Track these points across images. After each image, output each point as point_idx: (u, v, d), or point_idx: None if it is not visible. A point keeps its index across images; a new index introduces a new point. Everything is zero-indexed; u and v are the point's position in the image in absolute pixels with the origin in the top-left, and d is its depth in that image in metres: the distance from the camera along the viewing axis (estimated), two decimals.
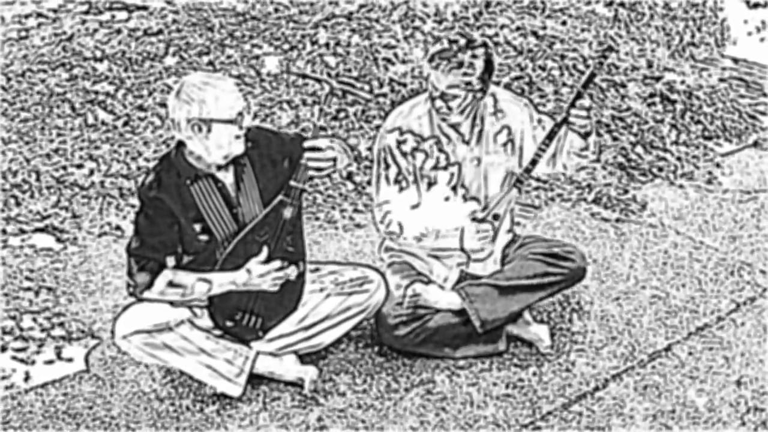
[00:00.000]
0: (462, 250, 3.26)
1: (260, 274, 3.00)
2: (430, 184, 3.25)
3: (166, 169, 2.96)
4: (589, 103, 3.13)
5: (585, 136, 3.21)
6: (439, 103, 3.14)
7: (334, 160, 3.03)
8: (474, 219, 3.24)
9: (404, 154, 3.22)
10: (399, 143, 3.22)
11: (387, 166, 3.24)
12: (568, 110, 3.13)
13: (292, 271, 3.05)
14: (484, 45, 3.14)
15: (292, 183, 3.03)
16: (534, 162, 3.20)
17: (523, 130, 3.28)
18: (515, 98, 3.35)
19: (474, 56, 3.09)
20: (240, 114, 2.90)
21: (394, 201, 3.24)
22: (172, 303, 3.01)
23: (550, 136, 3.16)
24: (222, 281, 2.99)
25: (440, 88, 3.11)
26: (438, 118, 3.21)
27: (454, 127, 3.22)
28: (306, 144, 3.01)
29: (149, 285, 2.94)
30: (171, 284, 2.95)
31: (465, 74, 3.08)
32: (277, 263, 3.02)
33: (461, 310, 3.26)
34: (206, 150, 2.91)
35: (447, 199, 3.27)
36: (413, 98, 3.36)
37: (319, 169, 3.02)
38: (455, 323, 3.27)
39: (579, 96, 3.12)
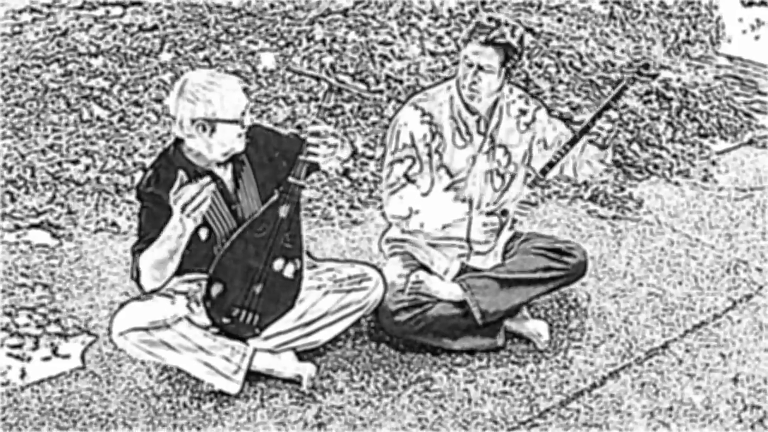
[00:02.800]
0: (467, 240, 3.28)
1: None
2: (447, 172, 3.27)
3: (164, 166, 2.95)
4: (616, 116, 3.15)
5: (602, 147, 3.24)
6: (472, 78, 3.14)
7: (335, 147, 3.02)
8: (481, 212, 3.26)
9: (423, 138, 3.22)
10: (420, 124, 3.22)
11: (403, 147, 3.24)
12: (594, 119, 3.15)
13: (210, 187, 2.81)
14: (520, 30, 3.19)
15: (291, 180, 3.03)
16: (551, 164, 3.22)
17: (541, 129, 3.31)
18: (529, 99, 3.36)
19: (512, 35, 3.12)
20: (243, 113, 2.89)
21: (406, 185, 3.24)
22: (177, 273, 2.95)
23: (572, 142, 3.19)
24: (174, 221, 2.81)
25: (476, 61, 3.11)
26: (459, 104, 3.21)
27: (475, 113, 3.23)
28: (309, 129, 3.00)
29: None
30: (150, 260, 2.89)
31: (504, 44, 3.10)
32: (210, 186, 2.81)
33: (462, 301, 3.27)
34: (208, 147, 2.90)
35: (444, 198, 3.29)
36: (435, 86, 3.36)
37: (318, 155, 2.99)
38: (455, 314, 3.27)
39: (607, 107, 3.14)
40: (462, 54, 3.17)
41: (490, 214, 3.26)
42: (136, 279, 2.95)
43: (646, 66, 3.30)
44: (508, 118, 3.29)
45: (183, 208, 2.73)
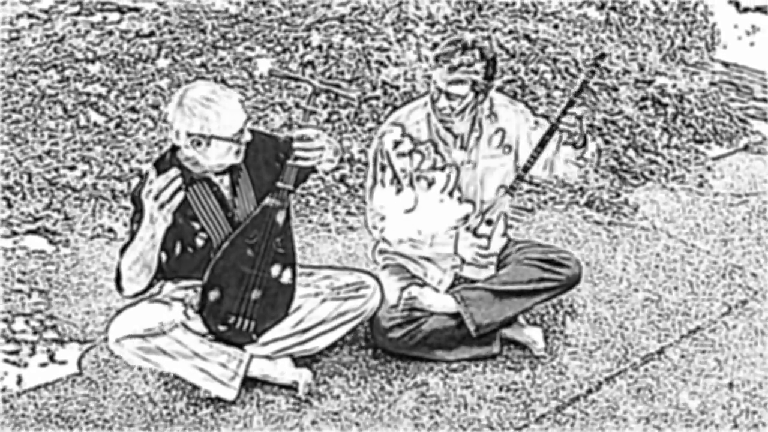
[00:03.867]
0: (456, 253, 3.28)
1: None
2: (429, 184, 3.25)
3: (160, 172, 2.94)
4: (581, 112, 3.12)
5: (578, 146, 3.22)
6: (443, 102, 3.13)
7: (322, 149, 3.02)
8: (467, 228, 3.25)
9: (401, 156, 3.22)
10: (396, 144, 3.22)
11: (383, 169, 3.24)
12: (559, 118, 3.13)
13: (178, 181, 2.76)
14: (489, 47, 3.15)
15: (280, 184, 3.03)
16: (526, 169, 3.20)
17: (518, 134, 3.29)
18: (510, 102, 3.36)
19: (482, 55, 3.09)
20: (241, 131, 2.89)
21: (388, 205, 3.24)
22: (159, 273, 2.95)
23: (542, 144, 3.16)
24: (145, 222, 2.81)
25: (444, 87, 3.11)
26: (436, 122, 3.21)
27: (452, 131, 3.22)
28: (295, 133, 3.00)
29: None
30: (127, 261, 2.89)
31: (472, 72, 3.08)
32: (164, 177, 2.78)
33: (456, 313, 3.26)
34: (203, 158, 2.91)
35: (442, 201, 3.28)
36: (411, 103, 3.36)
37: (306, 159, 3.00)
38: (449, 326, 3.27)
39: (571, 104, 3.12)
40: (432, 77, 3.14)
41: (476, 232, 3.25)
42: (117, 281, 2.95)
43: (602, 56, 3.30)
44: (488, 122, 3.27)
45: (155, 199, 2.71)
